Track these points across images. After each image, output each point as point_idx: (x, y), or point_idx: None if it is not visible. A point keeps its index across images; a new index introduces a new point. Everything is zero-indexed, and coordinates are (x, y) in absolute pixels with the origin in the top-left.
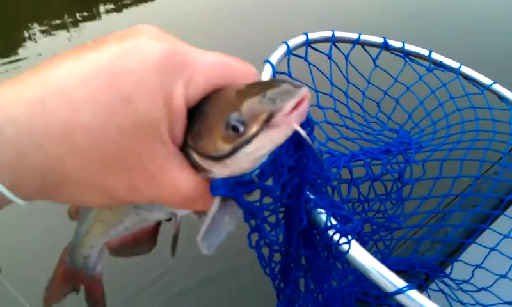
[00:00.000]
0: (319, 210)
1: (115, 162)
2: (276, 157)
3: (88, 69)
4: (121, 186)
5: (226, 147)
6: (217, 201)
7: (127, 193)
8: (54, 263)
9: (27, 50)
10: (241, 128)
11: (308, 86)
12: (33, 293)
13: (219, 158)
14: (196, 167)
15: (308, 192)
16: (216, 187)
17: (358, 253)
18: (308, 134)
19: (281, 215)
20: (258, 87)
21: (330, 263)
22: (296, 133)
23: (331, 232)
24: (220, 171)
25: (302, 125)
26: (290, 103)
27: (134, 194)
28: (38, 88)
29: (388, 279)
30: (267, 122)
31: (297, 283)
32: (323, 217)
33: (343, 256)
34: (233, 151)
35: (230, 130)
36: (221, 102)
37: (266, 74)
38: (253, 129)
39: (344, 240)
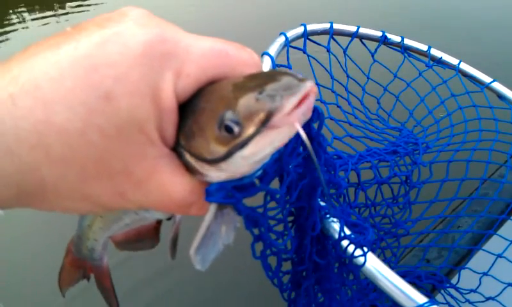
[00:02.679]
0: (332, 219)
1: (97, 168)
2: (281, 156)
3: (63, 62)
4: (107, 193)
5: (220, 149)
6: (212, 208)
7: (114, 200)
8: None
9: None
10: (236, 129)
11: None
12: None
13: (213, 162)
14: (191, 169)
15: (319, 199)
16: (211, 192)
17: (375, 266)
18: (318, 129)
19: (290, 219)
20: (256, 81)
21: (343, 276)
22: (304, 126)
23: (345, 243)
24: (216, 174)
25: (310, 118)
26: (292, 101)
27: (122, 201)
28: (10, 84)
29: (408, 294)
30: (265, 123)
31: (310, 292)
32: (336, 226)
33: (358, 270)
34: (228, 154)
35: (224, 130)
36: (215, 97)
37: (265, 67)
38: (249, 131)
39: (358, 251)
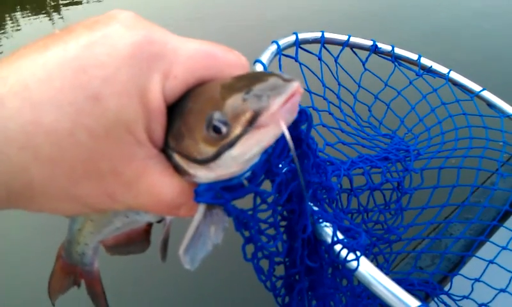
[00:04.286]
0: (325, 223)
1: (86, 169)
2: (270, 157)
3: (52, 64)
4: (96, 194)
5: (209, 150)
6: (201, 209)
7: (103, 201)
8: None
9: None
10: (224, 129)
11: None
12: None
13: (203, 162)
14: (180, 170)
15: (311, 204)
16: (200, 193)
17: (369, 271)
18: (307, 131)
19: (283, 224)
20: (243, 82)
21: (336, 281)
22: (293, 128)
23: (338, 247)
24: (205, 174)
25: (298, 119)
26: (278, 101)
27: (110, 202)
28: None
29: (401, 298)
30: (252, 122)
31: (303, 297)
32: (329, 231)
33: (351, 274)
34: (217, 154)
35: (212, 131)
36: (203, 98)
37: None
38: (237, 130)
39: (351, 256)
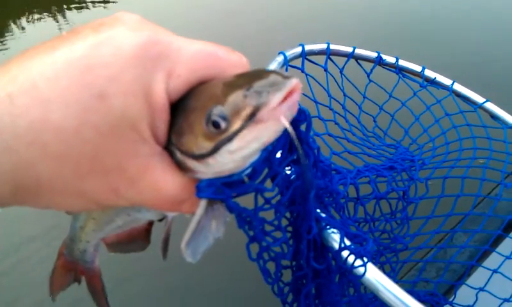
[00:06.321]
0: (332, 230)
1: (92, 165)
2: (270, 155)
3: (59, 63)
4: (101, 190)
5: (207, 144)
6: (202, 204)
7: (108, 196)
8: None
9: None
10: (223, 124)
11: (307, 96)
12: None
13: (200, 157)
14: (182, 167)
15: (318, 210)
16: (202, 188)
17: (376, 277)
18: (306, 131)
19: (289, 228)
20: (244, 79)
21: (344, 288)
22: (293, 128)
23: (345, 254)
24: (205, 170)
25: (297, 118)
26: (277, 97)
27: (115, 198)
28: (8, 84)
29: (407, 304)
30: (252, 117)
31: (310, 302)
32: (336, 237)
33: (358, 280)
34: (215, 149)
35: (211, 126)
36: (204, 95)
37: None
38: (236, 125)
39: (358, 262)
